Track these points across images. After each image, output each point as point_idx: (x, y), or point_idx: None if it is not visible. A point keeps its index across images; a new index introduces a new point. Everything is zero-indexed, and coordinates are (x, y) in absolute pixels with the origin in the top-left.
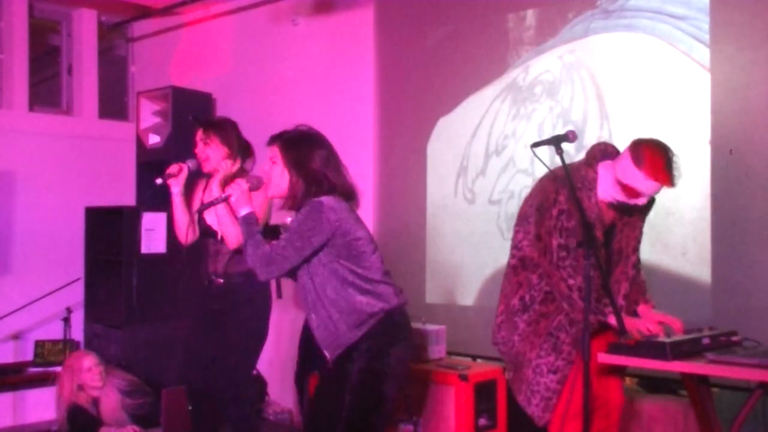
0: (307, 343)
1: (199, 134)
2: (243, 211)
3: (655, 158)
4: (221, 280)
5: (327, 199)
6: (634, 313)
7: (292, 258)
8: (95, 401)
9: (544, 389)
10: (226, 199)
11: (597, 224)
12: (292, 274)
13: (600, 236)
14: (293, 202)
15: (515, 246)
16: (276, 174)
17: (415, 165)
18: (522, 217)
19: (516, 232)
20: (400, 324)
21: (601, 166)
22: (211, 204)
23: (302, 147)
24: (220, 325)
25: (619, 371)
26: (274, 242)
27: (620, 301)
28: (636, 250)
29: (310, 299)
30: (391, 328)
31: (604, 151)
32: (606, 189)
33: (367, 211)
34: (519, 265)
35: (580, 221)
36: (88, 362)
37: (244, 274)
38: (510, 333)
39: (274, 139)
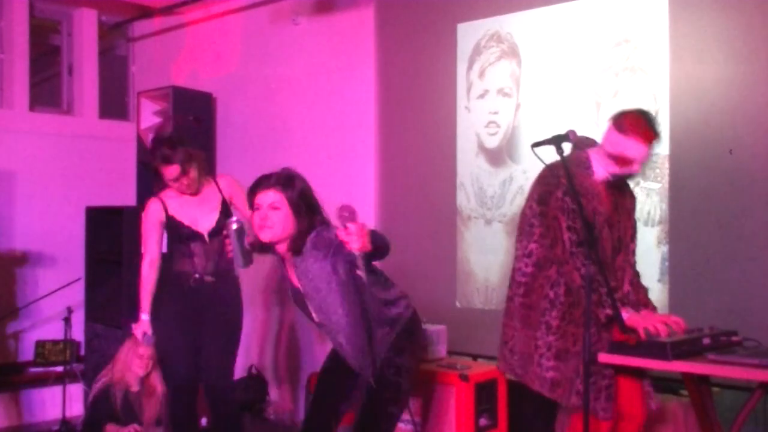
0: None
1: (176, 173)
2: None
3: (635, 121)
4: (212, 278)
5: (328, 233)
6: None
7: None
8: (134, 396)
9: (601, 377)
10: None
11: (598, 204)
12: None
13: (605, 213)
14: (301, 243)
15: (526, 255)
16: (280, 219)
17: (416, 165)
18: (523, 228)
19: (519, 242)
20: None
21: (590, 150)
22: None
23: (300, 186)
24: (205, 323)
25: (641, 378)
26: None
27: (626, 287)
28: (633, 238)
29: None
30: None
31: (587, 139)
32: (599, 168)
33: (369, 211)
34: (536, 272)
35: (581, 216)
36: (143, 350)
37: (231, 271)
38: (545, 333)
39: (273, 184)
